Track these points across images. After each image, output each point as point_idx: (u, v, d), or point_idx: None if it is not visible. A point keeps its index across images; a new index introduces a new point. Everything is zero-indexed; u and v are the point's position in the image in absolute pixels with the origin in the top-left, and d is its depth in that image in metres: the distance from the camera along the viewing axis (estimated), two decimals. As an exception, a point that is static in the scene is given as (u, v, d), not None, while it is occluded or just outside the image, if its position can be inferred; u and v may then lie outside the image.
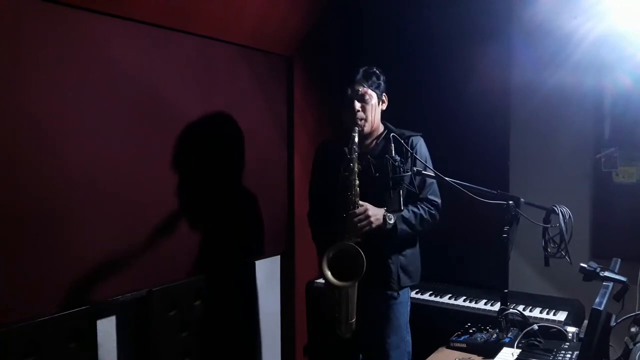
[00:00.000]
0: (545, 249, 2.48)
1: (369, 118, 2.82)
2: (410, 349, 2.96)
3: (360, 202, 2.64)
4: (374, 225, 2.66)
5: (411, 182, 2.62)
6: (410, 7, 3.93)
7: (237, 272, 3.33)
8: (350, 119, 2.77)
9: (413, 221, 2.78)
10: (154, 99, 2.77)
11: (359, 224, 2.63)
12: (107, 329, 2.62)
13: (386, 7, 4.03)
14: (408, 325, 2.97)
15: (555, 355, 2.26)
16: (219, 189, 3.16)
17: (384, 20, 4.07)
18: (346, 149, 2.64)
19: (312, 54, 3.75)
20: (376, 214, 2.67)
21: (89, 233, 2.48)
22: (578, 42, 3.43)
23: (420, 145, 2.86)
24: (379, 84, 2.88)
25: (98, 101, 2.51)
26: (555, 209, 2.46)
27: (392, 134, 2.61)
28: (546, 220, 2.49)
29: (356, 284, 2.62)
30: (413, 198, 2.80)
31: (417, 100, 3.90)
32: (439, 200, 2.88)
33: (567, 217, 2.45)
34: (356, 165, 2.61)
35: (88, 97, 2.47)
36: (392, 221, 2.70)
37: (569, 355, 2.24)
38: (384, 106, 2.93)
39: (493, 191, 2.53)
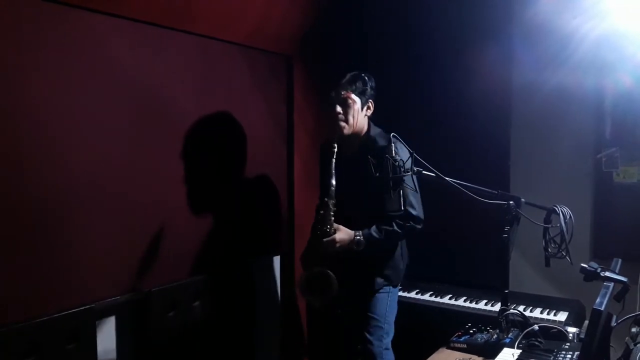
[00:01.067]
0: (545, 249, 2.48)
1: (350, 122, 2.90)
2: (389, 339, 3.05)
3: (335, 228, 2.85)
4: (343, 247, 2.85)
5: (411, 182, 2.62)
6: (411, 7, 3.93)
7: (237, 272, 3.33)
8: (331, 122, 2.90)
9: (383, 241, 2.89)
10: (153, 98, 2.76)
11: (324, 249, 2.84)
12: (106, 329, 2.63)
13: (386, 6, 4.03)
14: (387, 316, 3.04)
15: (555, 356, 2.26)
16: (219, 190, 3.16)
17: (384, 19, 4.07)
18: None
19: (312, 53, 3.74)
20: (343, 240, 2.85)
21: (88, 233, 2.48)
22: (579, 42, 3.43)
23: (398, 148, 2.83)
24: (364, 90, 2.94)
25: (98, 100, 2.51)
26: (556, 209, 2.46)
27: (392, 134, 2.60)
28: (547, 220, 2.49)
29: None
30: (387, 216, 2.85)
31: (418, 100, 3.89)
32: (415, 212, 2.88)
33: (568, 217, 2.44)
34: (331, 202, 2.81)
35: (88, 96, 2.47)
36: (360, 247, 2.86)
37: (569, 356, 2.24)
38: (369, 112, 2.99)
39: (494, 191, 2.53)
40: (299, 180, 3.68)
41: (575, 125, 3.56)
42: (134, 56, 2.67)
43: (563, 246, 2.42)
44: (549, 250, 2.47)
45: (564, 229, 2.42)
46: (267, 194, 3.52)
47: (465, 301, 3.51)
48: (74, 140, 2.42)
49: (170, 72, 2.85)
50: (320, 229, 2.84)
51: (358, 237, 2.86)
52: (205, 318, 3.04)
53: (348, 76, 2.93)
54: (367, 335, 2.99)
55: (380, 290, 3.03)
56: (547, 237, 2.48)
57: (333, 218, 2.84)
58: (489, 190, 2.53)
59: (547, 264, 2.49)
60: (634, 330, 2.07)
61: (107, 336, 2.63)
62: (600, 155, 3.49)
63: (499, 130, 3.78)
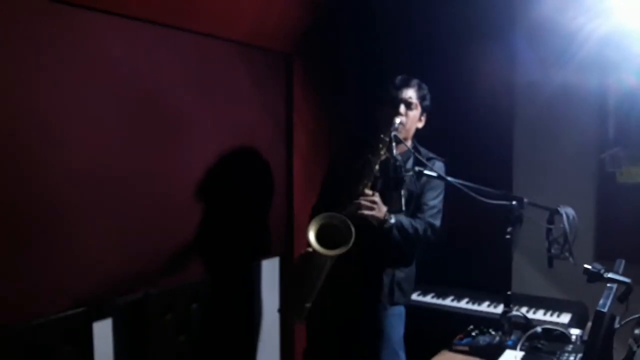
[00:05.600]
0: (549, 250, 2.47)
1: (407, 126, 2.79)
2: None
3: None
4: (375, 214, 2.61)
5: (412, 183, 2.61)
6: (413, 6, 3.92)
7: (235, 274, 3.32)
8: (388, 120, 2.72)
9: (410, 232, 2.74)
10: (151, 96, 2.75)
11: (362, 203, 2.59)
12: (103, 331, 2.60)
13: (388, 5, 4.01)
14: (402, 341, 2.93)
15: (558, 358, 2.26)
16: (217, 190, 3.14)
17: (385, 18, 4.06)
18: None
19: (312, 51, 3.72)
20: (381, 206, 2.64)
21: (86, 234, 2.47)
22: (582, 41, 3.42)
23: (439, 168, 2.82)
24: (426, 103, 2.88)
25: (95, 99, 2.49)
26: (559, 209, 2.45)
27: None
28: (550, 220, 2.47)
29: (331, 261, 2.58)
30: (414, 214, 2.81)
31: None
32: (438, 224, 2.85)
33: (571, 217, 2.43)
34: (382, 154, 2.59)
35: (85, 94, 2.45)
36: (392, 221, 2.67)
37: (572, 358, 2.24)
38: (421, 125, 2.90)
39: (496, 191, 2.52)
40: (299, 181, 3.66)
41: (578, 125, 3.56)
42: (132, 54, 2.65)
43: (566, 247, 2.41)
44: (552, 251, 2.46)
45: (567, 229, 2.40)
46: (266, 195, 3.50)
47: (467, 303, 3.50)
48: (72, 139, 2.41)
49: (168, 70, 2.83)
50: (361, 179, 2.63)
51: (391, 215, 2.68)
52: (202, 321, 3.02)
53: (414, 80, 2.84)
54: None
55: (395, 308, 2.89)
56: (550, 237, 2.47)
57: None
58: (492, 190, 2.52)
59: (550, 265, 2.48)
60: (637, 331, 2.06)
61: (103, 338, 2.60)
62: (604, 155, 3.48)
63: (501, 130, 3.78)
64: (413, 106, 2.80)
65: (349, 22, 4.00)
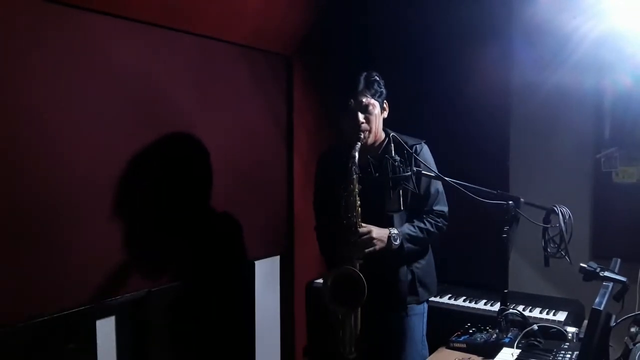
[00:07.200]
0: (545, 249, 2.47)
1: (373, 129, 2.73)
2: None
3: (364, 225, 2.55)
4: (377, 248, 2.56)
5: (411, 182, 2.61)
6: (411, 7, 3.93)
7: (236, 272, 3.32)
8: (353, 130, 2.67)
9: (420, 237, 2.70)
10: (153, 98, 2.76)
11: (363, 247, 2.54)
12: (106, 329, 2.62)
13: (386, 6, 4.02)
14: (425, 339, 2.89)
15: (555, 356, 2.25)
16: (219, 190, 3.15)
17: (384, 19, 4.07)
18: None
19: (312, 54, 3.74)
20: (381, 235, 2.58)
21: (88, 233, 2.48)
22: (578, 42, 3.43)
23: (424, 152, 2.78)
24: (381, 92, 2.78)
25: (97, 101, 2.51)
26: (555, 209, 2.44)
27: (391, 134, 2.59)
28: (546, 220, 2.48)
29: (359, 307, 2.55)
30: (419, 211, 2.74)
31: (418, 100, 3.89)
32: (445, 209, 2.80)
33: (567, 217, 2.43)
34: (356, 186, 2.52)
35: (87, 96, 2.46)
36: (397, 242, 2.62)
37: (568, 356, 2.23)
38: (385, 114, 2.83)
39: (493, 191, 2.52)
40: (299, 180, 3.68)
41: (574, 125, 3.56)
42: (134, 56, 2.66)
43: (562, 246, 2.41)
44: (548, 250, 2.46)
45: (563, 228, 2.41)
46: (267, 194, 3.51)
47: (464, 301, 3.50)
48: (74, 140, 2.42)
49: (170, 72, 2.84)
50: (348, 220, 2.54)
51: (394, 233, 2.62)
52: (204, 319, 3.03)
53: (362, 80, 2.72)
54: None
55: (417, 307, 2.84)
56: (547, 236, 2.47)
57: (360, 209, 2.55)
58: (488, 190, 2.52)
59: (547, 264, 2.48)
60: (633, 330, 2.07)
61: (106, 336, 2.62)
62: (600, 155, 3.48)
63: (498, 130, 3.78)
64: (370, 107, 2.71)
65: (348, 24, 4.02)
